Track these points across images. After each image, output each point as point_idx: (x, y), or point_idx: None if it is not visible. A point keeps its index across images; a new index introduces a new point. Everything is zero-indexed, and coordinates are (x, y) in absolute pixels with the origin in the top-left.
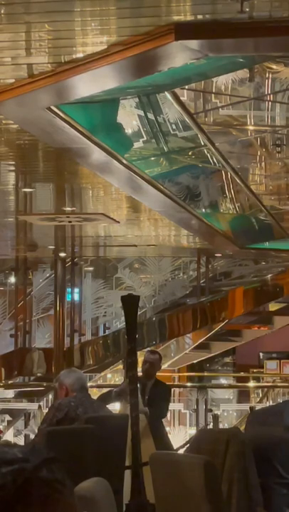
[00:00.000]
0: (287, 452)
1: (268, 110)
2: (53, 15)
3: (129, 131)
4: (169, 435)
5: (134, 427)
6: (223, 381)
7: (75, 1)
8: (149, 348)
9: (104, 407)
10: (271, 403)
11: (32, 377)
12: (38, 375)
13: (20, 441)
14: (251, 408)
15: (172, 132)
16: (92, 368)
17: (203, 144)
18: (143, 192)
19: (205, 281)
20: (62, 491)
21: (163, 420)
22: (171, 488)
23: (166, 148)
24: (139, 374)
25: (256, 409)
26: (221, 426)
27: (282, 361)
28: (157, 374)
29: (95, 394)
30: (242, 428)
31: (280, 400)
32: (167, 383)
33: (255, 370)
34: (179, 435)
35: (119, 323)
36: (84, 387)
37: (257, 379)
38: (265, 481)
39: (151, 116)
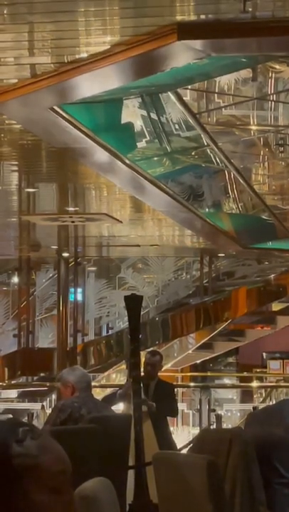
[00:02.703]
0: (288, 451)
1: (270, 110)
2: (56, 15)
3: (132, 131)
4: (172, 435)
5: (137, 426)
6: (226, 381)
7: (77, 1)
8: (149, 349)
9: (108, 407)
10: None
11: (35, 377)
12: (41, 375)
13: None
14: (254, 408)
15: (175, 132)
16: (95, 368)
17: (206, 143)
18: (146, 192)
19: (208, 281)
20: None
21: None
22: (174, 488)
23: (169, 148)
24: (142, 374)
25: (254, 410)
26: (224, 426)
27: (285, 361)
28: (161, 374)
29: (98, 394)
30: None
31: None
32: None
33: (258, 370)
34: (182, 435)
35: (123, 323)
36: (89, 386)
37: (260, 379)
38: (266, 481)
39: (154, 116)
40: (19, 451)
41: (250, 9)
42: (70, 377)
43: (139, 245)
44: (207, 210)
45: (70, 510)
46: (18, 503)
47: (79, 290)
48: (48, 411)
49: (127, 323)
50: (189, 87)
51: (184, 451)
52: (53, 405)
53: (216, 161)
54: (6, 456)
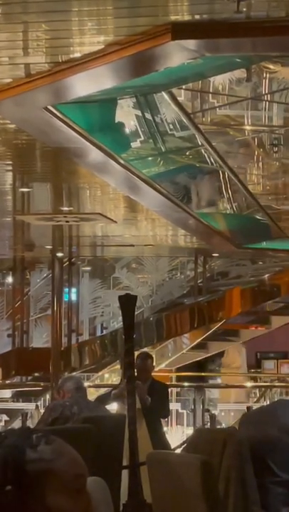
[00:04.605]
0: (281, 451)
1: (265, 110)
2: (50, 15)
3: (126, 131)
4: (166, 435)
5: (131, 426)
6: (220, 381)
7: (72, 1)
8: (139, 352)
9: (101, 406)
10: (268, 403)
11: (29, 377)
12: (36, 374)
13: None
14: (248, 408)
15: (169, 132)
16: (89, 368)
17: (200, 143)
18: (140, 192)
19: (202, 281)
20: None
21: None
22: (168, 488)
23: (163, 148)
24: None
25: (248, 410)
26: (218, 426)
27: (279, 361)
28: (155, 374)
29: (92, 394)
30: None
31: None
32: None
33: (252, 370)
34: (176, 435)
35: (117, 323)
36: (80, 388)
37: (254, 379)
38: (260, 481)
39: (148, 116)
40: (34, 456)
41: (244, 9)
42: (60, 383)
43: (133, 245)
44: (201, 210)
45: (87, 511)
46: (36, 508)
47: (73, 290)
48: (42, 411)
49: (121, 323)
50: (183, 87)
51: (178, 451)
52: (47, 405)
53: (210, 161)
54: (21, 462)
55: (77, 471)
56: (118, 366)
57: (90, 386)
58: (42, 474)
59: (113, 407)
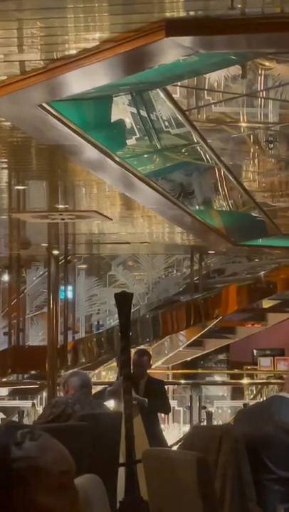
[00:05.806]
0: (277, 448)
1: (260, 107)
2: (45, 12)
3: (121, 128)
4: (163, 432)
5: (127, 424)
6: (217, 378)
7: None
8: (136, 349)
9: (103, 404)
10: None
11: (26, 375)
12: (32, 372)
13: None
14: (245, 405)
15: (165, 129)
16: (85, 366)
17: (195, 141)
18: (136, 189)
19: (198, 279)
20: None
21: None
22: (165, 485)
23: (159, 146)
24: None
25: (244, 407)
26: (214, 423)
27: (275, 358)
28: (151, 372)
29: None
30: None
31: None
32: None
33: (249, 367)
34: (173, 432)
35: (113, 321)
36: (85, 385)
37: (251, 376)
38: (256, 478)
39: (143, 113)
40: (19, 454)
41: (238, 6)
42: (67, 379)
43: (129, 243)
44: (197, 207)
45: (74, 506)
46: (23, 506)
47: (69, 288)
48: (39, 409)
49: (118, 320)
50: (179, 84)
51: (175, 448)
52: (43, 403)
53: (205, 158)
54: (7, 460)
55: (63, 468)
56: (114, 364)
57: None
58: (27, 472)
59: (110, 404)
